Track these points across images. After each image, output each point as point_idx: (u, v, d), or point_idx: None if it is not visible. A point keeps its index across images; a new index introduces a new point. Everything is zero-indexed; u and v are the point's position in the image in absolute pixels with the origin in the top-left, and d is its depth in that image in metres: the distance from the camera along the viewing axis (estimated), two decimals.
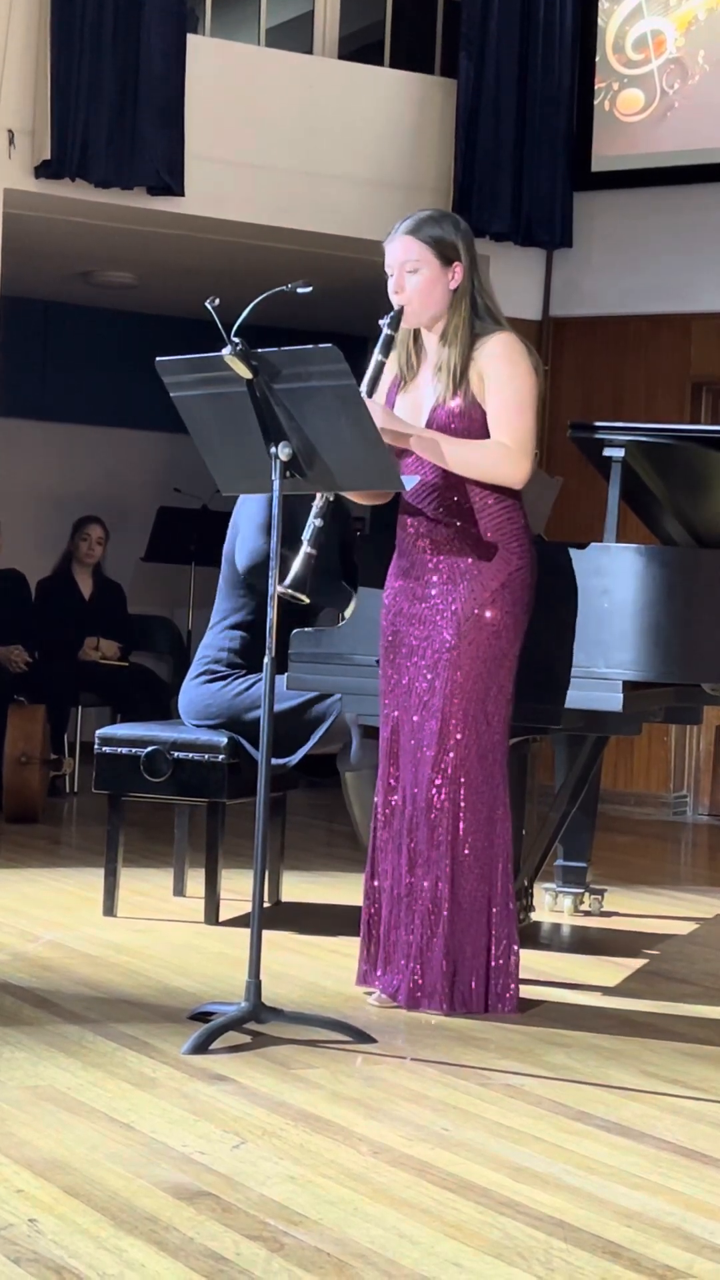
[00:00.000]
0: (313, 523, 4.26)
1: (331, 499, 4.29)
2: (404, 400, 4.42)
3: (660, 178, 8.80)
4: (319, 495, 4.27)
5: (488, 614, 4.28)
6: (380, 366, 4.33)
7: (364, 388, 4.27)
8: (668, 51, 8.79)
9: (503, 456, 4.26)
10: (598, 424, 5.19)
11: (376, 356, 4.33)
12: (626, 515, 5.44)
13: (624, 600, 4.52)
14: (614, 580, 4.53)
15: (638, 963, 5.08)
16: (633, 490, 5.35)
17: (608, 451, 5.17)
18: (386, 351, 4.34)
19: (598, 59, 8.92)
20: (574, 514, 7.67)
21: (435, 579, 4.33)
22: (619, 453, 5.14)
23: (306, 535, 4.25)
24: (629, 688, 4.53)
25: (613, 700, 4.50)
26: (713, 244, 8.68)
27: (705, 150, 8.65)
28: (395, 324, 4.34)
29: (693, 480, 5.22)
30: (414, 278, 4.32)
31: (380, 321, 4.34)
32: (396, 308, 4.33)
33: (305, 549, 4.23)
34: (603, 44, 8.93)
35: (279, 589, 4.16)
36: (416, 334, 4.42)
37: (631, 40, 8.89)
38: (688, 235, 8.75)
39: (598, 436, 5.15)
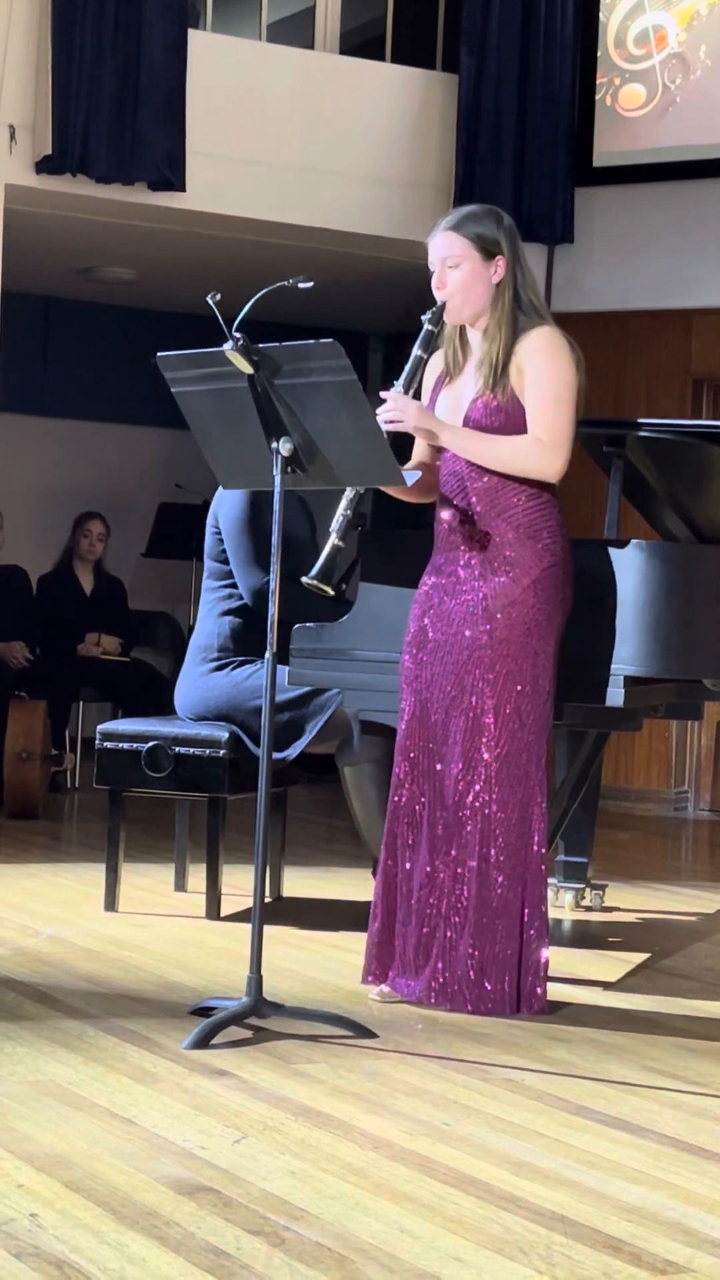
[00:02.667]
0: (343, 514, 4.25)
1: (363, 491, 4.27)
2: (447, 395, 4.40)
3: (662, 173, 8.80)
4: (350, 488, 4.27)
5: (520, 611, 4.25)
6: (419, 362, 4.31)
7: (400, 383, 4.26)
8: (669, 46, 8.78)
9: (535, 451, 4.24)
10: (599, 419, 5.19)
11: (416, 352, 4.30)
12: (627, 510, 5.45)
13: (625, 596, 4.51)
14: (615, 576, 4.53)
15: (638, 958, 5.08)
16: (633, 486, 5.35)
17: (608, 447, 5.17)
18: (426, 347, 4.32)
19: (599, 54, 8.92)
20: (575, 509, 7.63)
21: (467, 575, 4.30)
22: (619, 448, 5.14)
23: (335, 526, 4.25)
24: (630, 683, 4.53)
25: (614, 696, 4.50)
26: (714, 239, 8.67)
27: (707, 145, 8.65)
28: (437, 320, 4.32)
29: (693, 476, 5.22)
30: (455, 273, 4.29)
31: (422, 317, 4.33)
32: (439, 303, 4.32)
33: (333, 540, 4.23)
34: (604, 39, 8.93)
35: (304, 580, 4.17)
36: (463, 329, 4.40)
37: (633, 35, 8.89)
38: (689, 231, 8.74)
39: (599, 432, 5.15)
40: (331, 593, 4.22)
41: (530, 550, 4.28)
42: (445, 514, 4.38)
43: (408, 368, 4.31)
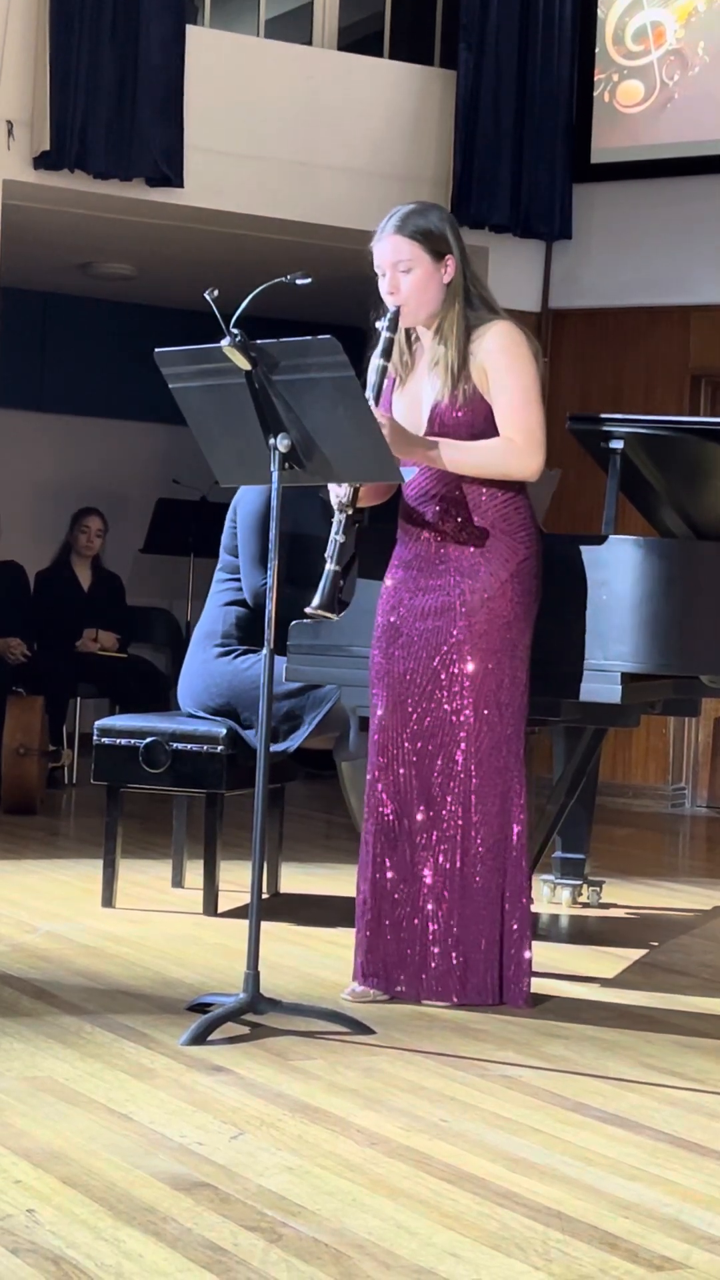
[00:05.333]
0: (335, 540, 4.21)
1: (352, 513, 4.23)
2: (401, 398, 4.37)
3: (660, 169, 8.79)
4: (339, 510, 4.24)
5: (498, 605, 4.25)
6: (383, 371, 4.25)
7: (369, 397, 4.21)
8: (667, 43, 8.78)
9: (512, 453, 4.23)
10: (597, 416, 5.19)
11: (378, 361, 4.25)
12: (625, 507, 5.44)
13: (622, 592, 4.51)
14: (612, 572, 4.53)
15: (635, 954, 5.08)
16: (631, 482, 5.35)
17: (606, 444, 5.17)
18: (388, 355, 4.27)
19: (597, 50, 8.92)
20: (573, 506, 7.67)
21: (441, 570, 4.30)
22: (618, 445, 5.14)
23: (330, 553, 4.20)
24: (627, 680, 4.53)
25: (611, 692, 4.50)
26: (712, 236, 8.67)
27: (705, 142, 8.65)
28: (394, 326, 4.27)
29: (691, 472, 5.21)
30: (407, 277, 4.26)
31: (378, 325, 4.29)
32: (392, 309, 4.27)
33: (330, 567, 4.19)
34: (602, 35, 8.93)
35: (308, 610, 4.15)
36: (409, 330, 4.38)
37: (631, 31, 8.89)
38: (687, 227, 8.74)
39: (597, 428, 5.15)
40: (336, 618, 4.19)
41: (505, 545, 4.28)
42: (414, 512, 4.37)
43: (374, 379, 4.23)
